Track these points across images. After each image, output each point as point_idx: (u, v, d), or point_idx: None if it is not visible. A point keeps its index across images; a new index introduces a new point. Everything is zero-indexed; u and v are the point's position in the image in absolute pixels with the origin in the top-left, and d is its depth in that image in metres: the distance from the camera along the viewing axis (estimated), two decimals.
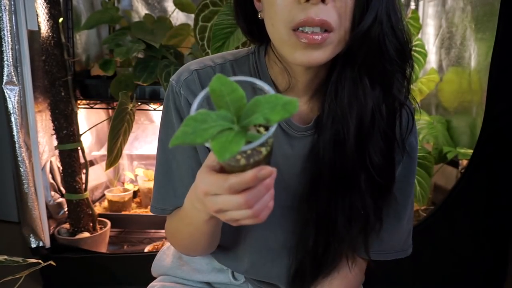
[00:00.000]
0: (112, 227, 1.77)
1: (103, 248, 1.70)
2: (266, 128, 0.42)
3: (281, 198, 0.69)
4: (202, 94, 0.43)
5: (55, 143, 1.60)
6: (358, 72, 0.59)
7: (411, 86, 0.64)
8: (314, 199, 0.65)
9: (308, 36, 0.54)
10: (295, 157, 0.67)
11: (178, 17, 2.01)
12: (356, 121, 0.61)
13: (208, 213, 0.53)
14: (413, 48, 1.70)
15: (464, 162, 1.68)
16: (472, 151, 1.45)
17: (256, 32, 0.66)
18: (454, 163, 1.76)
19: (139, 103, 1.72)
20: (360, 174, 0.62)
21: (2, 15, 1.28)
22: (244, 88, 0.41)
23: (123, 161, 2.15)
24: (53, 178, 1.72)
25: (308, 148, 0.66)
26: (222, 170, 0.45)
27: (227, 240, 0.74)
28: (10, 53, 1.30)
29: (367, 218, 0.65)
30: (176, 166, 0.68)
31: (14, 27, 1.30)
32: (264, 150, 0.42)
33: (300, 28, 0.54)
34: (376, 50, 0.57)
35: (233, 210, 0.46)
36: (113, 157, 1.64)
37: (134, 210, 1.99)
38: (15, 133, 1.34)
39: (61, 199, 1.73)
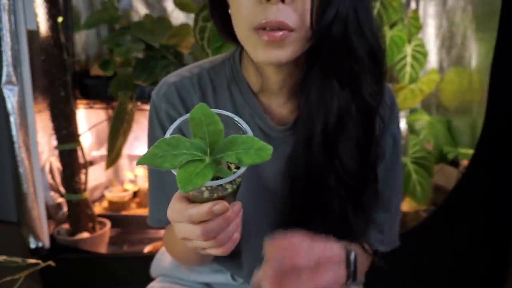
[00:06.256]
0: (111, 227, 1.77)
1: (103, 249, 1.70)
2: (238, 166, 0.41)
3: (264, 201, 0.69)
4: (181, 119, 0.43)
5: (55, 143, 1.60)
6: (325, 71, 0.59)
7: (384, 88, 0.62)
8: (293, 201, 0.65)
9: (269, 34, 0.53)
10: (276, 159, 0.66)
11: (178, 17, 2.00)
12: (323, 122, 0.60)
13: None
14: (414, 47, 1.71)
15: (465, 162, 1.67)
16: (473, 151, 1.45)
17: (231, 30, 0.62)
18: (455, 163, 1.76)
19: (139, 103, 1.72)
20: (331, 175, 0.62)
21: (1, 14, 1.27)
22: (224, 121, 0.41)
23: (123, 161, 2.15)
24: (53, 178, 1.71)
25: (289, 151, 0.66)
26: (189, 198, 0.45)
27: None
28: (9, 52, 1.30)
29: (345, 218, 0.64)
30: (169, 176, 0.68)
31: (13, 26, 1.30)
32: (229, 188, 0.41)
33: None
34: (341, 49, 0.56)
35: (194, 239, 0.45)
36: (112, 157, 1.64)
37: (134, 210, 1.99)
38: (14, 133, 1.34)
39: (60, 199, 1.73)
